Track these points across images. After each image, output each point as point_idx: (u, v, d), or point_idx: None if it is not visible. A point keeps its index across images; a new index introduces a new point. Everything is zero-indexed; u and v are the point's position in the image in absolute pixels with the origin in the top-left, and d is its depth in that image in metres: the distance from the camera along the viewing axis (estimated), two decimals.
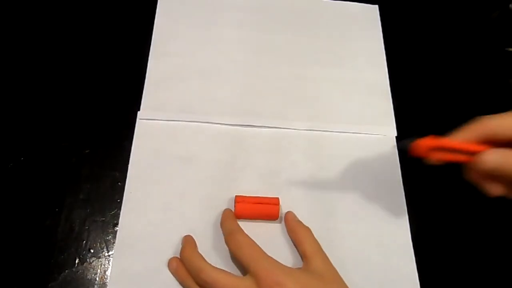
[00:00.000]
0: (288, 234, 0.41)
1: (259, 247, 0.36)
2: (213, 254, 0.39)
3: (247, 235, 0.37)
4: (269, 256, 0.35)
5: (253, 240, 0.36)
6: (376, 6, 0.57)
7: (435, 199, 0.46)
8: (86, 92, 0.47)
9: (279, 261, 0.36)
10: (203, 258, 0.37)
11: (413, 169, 0.46)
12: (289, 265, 0.39)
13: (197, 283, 0.36)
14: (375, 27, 0.55)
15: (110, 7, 0.52)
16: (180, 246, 0.39)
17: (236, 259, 0.38)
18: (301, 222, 0.40)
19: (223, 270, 0.35)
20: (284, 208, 0.42)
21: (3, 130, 0.44)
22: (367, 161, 0.46)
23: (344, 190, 0.44)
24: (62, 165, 0.43)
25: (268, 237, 0.40)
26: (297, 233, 0.40)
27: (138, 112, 0.46)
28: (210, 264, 0.36)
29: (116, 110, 0.46)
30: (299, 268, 0.37)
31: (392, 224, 0.43)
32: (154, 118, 0.46)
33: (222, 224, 0.40)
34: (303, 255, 0.38)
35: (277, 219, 0.41)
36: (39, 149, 0.43)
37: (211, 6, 0.54)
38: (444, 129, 0.50)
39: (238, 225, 0.39)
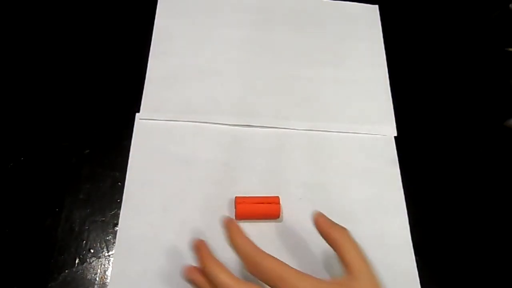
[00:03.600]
0: (323, 238, 0.36)
1: (289, 268, 0.32)
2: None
3: (271, 257, 0.32)
4: (302, 275, 0.32)
5: (280, 261, 0.32)
6: (376, 6, 0.57)
7: (435, 198, 0.46)
8: (86, 92, 0.47)
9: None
10: (228, 272, 0.33)
11: (412, 169, 0.46)
12: (292, 265, 0.38)
13: None
14: (375, 27, 0.55)
15: (110, 7, 0.52)
16: (180, 247, 0.39)
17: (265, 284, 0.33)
18: (335, 224, 0.36)
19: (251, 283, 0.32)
20: (284, 207, 0.42)
21: (3, 130, 0.44)
22: (367, 161, 0.46)
23: (344, 189, 0.44)
24: (62, 165, 0.43)
25: (270, 237, 0.40)
26: (333, 239, 0.35)
27: (138, 113, 0.46)
28: (237, 279, 0.32)
29: (116, 110, 0.46)
30: (339, 283, 0.33)
31: (392, 224, 0.43)
32: (153, 118, 0.46)
33: (235, 245, 0.34)
34: (346, 267, 0.33)
35: (278, 217, 0.41)
36: (39, 149, 0.43)
37: (211, 6, 0.54)
38: (444, 129, 0.50)
39: (258, 247, 0.33)
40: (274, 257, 0.32)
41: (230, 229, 0.35)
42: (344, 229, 0.35)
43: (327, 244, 0.38)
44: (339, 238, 0.34)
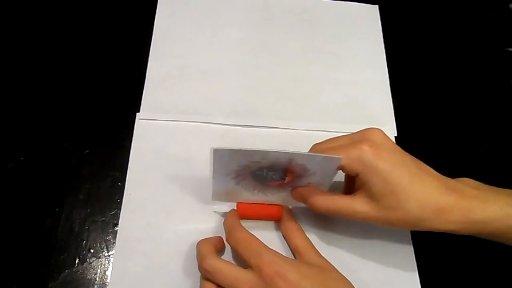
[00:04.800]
0: (280, 227, 0.41)
1: (259, 241, 0.35)
2: None
3: (246, 230, 0.37)
4: (269, 248, 0.35)
5: (252, 235, 0.36)
6: (376, 6, 0.57)
7: None
8: (86, 92, 0.47)
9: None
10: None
11: None
12: None
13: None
14: (375, 27, 0.55)
15: (110, 7, 0.52)
16: (180, 247, 0.39)
17: (237, 256, 0.38)
18: (295, 220, 0.40)
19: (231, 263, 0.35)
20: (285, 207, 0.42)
21: (3, 130, 0.44)
22: None
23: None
24: (62, 165, 0.43)
25: (270, 237, 0.40)
26: (288, 228, 0.39)
27: (138, 113, 0.46)
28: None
29: (116, 110, 0.46)
30: (296, 259, 0.37)
31: None
32: (153, 118, 0.46)
33: (224, 223, 0.40)
34: (295, 250, 0.38)
35: (279, 219, 0.41)
36: (39, 149, 0.43)
37: (211, 6, 0.54)
38: (444, 129, 0.50)
39: (238, 222, 0.38)
40: (249, 232, 0.36)
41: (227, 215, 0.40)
42: (298, 225, 0.40)
43: (325, 245, 0.40)
44: (294, 230, 0.39)
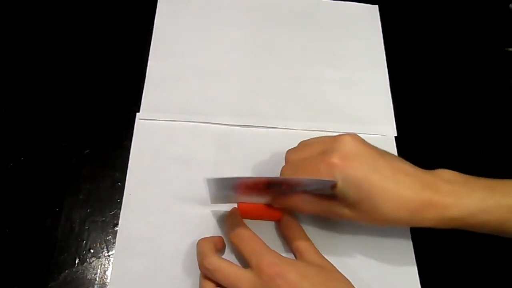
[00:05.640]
0: (281, 228, 0.41)
1: (261, 240, 0.36)
2: None
3: (249, 228, 0.37)
4: (271, 249, 0.35)
5: (255, 234, 0.36)
6: (376, 6, 0.57)
7: None
8: (86, 92, 0.47)
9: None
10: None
11: None
12: None
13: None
14: (375, 27, 0.55)
15: (110, 7, 0.52)
16: (180, 247, 0.39)
17: (238, 253, 0.38)
18: (295, 220, 0.40)
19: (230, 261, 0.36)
20: None
21: (3, 130, 0.44)
22: None
23: None
24: (62, 165, 0.43)
25: (270, 237, 0.40)
26: (289, 228, 0.40)
27: (138, 113, 0.46)
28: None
29: (116, 110, 0.46)
30: (297, 259, 0.38)
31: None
32: (153, 118, 0.46)
33: (226, 220, 0.40)
34: (296, 250, 0.38)
35: (280, 219, 0.41)
36: (39, 149, 0.44)
37: (211, 6, 0.54)
38: (444, 129, 0.50)
39: (241, 220, 0.39)
40: (252, 231, 0.37)
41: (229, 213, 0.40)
42: (300, 225, 0.40)
43: (326, 246, 0.40)
44: (296, 231, 0.39)
